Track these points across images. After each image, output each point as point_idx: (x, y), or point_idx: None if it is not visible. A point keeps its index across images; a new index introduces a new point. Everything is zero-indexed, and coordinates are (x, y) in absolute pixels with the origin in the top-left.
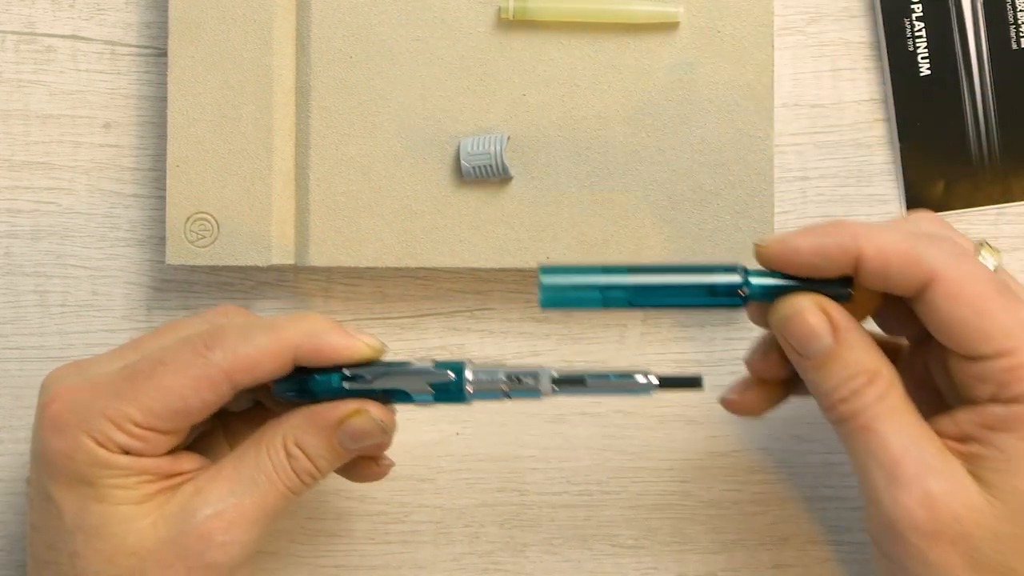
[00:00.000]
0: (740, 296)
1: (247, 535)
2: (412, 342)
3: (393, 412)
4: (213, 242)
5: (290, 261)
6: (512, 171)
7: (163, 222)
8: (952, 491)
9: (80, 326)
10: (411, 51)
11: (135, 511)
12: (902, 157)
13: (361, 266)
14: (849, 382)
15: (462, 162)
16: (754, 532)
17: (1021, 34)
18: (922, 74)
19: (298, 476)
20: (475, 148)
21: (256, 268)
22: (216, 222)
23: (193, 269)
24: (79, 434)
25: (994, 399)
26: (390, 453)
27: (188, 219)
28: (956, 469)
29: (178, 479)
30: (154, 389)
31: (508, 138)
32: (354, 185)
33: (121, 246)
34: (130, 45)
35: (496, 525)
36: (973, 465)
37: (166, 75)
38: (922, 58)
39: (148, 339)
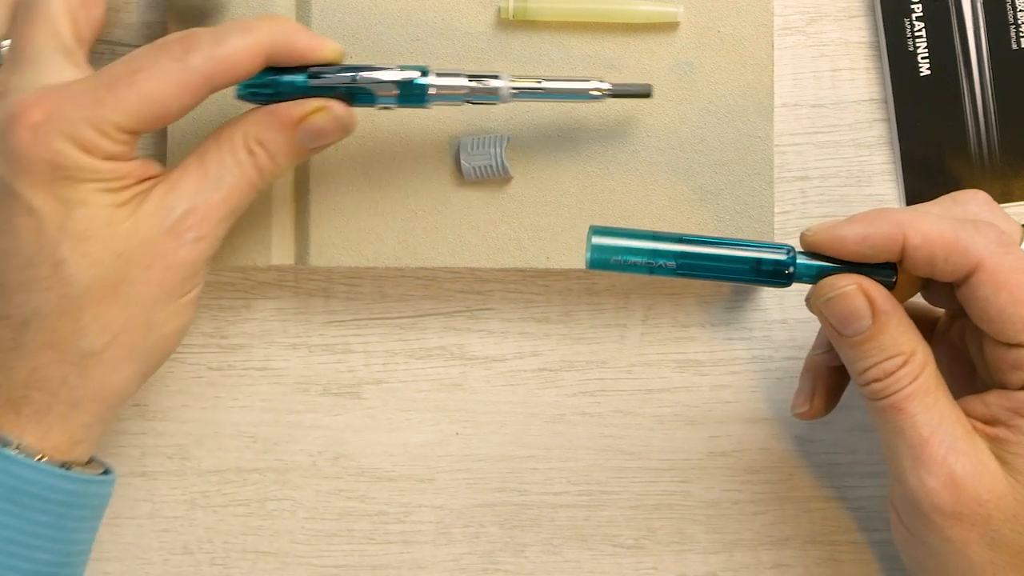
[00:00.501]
0: (786, 275)
1: (216, 231)
2: (412, 342)
3: (353, 112)
4: None
5: (290, 261)
6: (512, 171)
7: None
8: (976, 474)
9: None
10: (411, 51)
11: (118, 214)
12: (902, 157)
13: (361, 266)
14: (885, 363)
15: (462, 162)
16: (754, 532)
17: (1021, 34)
18: (922, 74)
19: (259, 172)
20: (475, 148)
21: (256, 268)
22: None
23: None
24: (62, 140)
25: None
26: (391, 452)
27: None
28: (982, 452)
29: (148, 183)
30: (135, 95)
31: (509, 138)
32: (354, 185)
33: None
34: (130, 45)
35: (496, 525)
36: (999, 448)
37: None
38: (922, 58)
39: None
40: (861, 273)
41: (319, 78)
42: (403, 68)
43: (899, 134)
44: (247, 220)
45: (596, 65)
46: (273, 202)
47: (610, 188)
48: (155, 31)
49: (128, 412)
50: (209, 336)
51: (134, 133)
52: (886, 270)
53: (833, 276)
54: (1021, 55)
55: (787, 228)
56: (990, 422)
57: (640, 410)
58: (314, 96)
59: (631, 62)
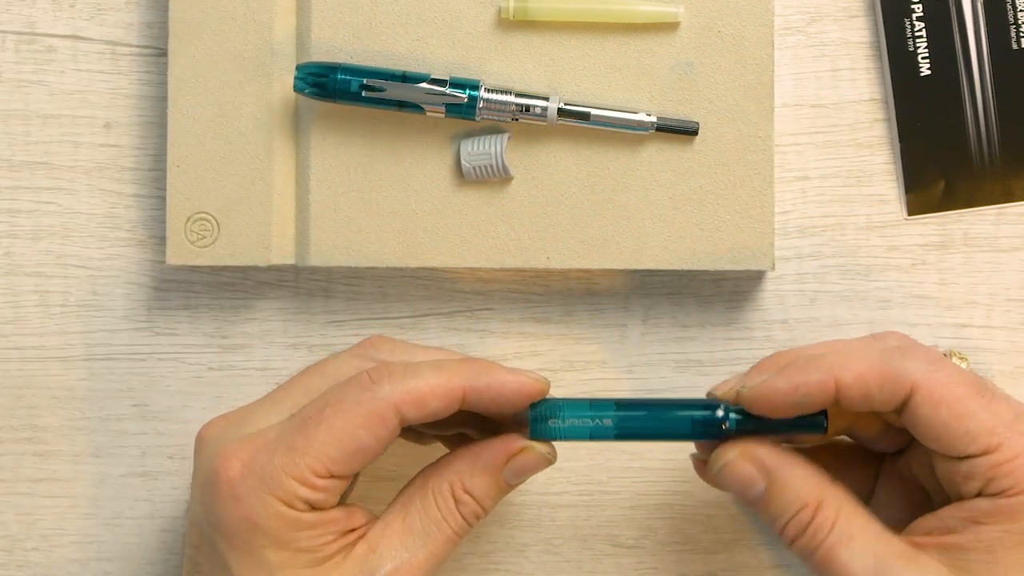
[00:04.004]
0: (723, 429)
1: None
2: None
3: (555, 448)
4: (213, 242)
5: (290, 261)
6: (512, 171)
7: (163, 222)
8: None
9: (80, 326)
10: (411, 51)
11: (316, 574)
12: (902, 157)
13: (361, 266)
14: (795, 518)
15: (462, 162)
16: (754, 532)
17: (1021, 34)
18: (922, 74)
19: (466, 520)
20: (476, 148)
21: (256, 268)
22: (216, 222)
23: (193, 269)
24: (265, 497)
25: (981, 494)
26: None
27: (188, 219)
28: (928, 572)
29: (353, 535)
30: (327, 433)
31: (509, 138)
32: (354, 185)
33: (121, 246)
34: (130, 45)
35: (496, 525)
36: (953, 557)
37: (166, 75)
38: (922, 58)
39: (299, 381)
40: (793, 420)
41: (369, 89)
42: (453, 82)
43: (899, 134)
44: (247, 220)
45: (596, 65)
46: (273, 202)
47: (610, 188)
48: (155, 31)
49: (128, 412)
50: (209, 336)
51: (334, 477)
52: (817, 417)
53: (721, 447)
54: (1021, 55)
55: (787, 228)
56: (943, 533)
57: None
58: (367, 101)
59: (631, 62)
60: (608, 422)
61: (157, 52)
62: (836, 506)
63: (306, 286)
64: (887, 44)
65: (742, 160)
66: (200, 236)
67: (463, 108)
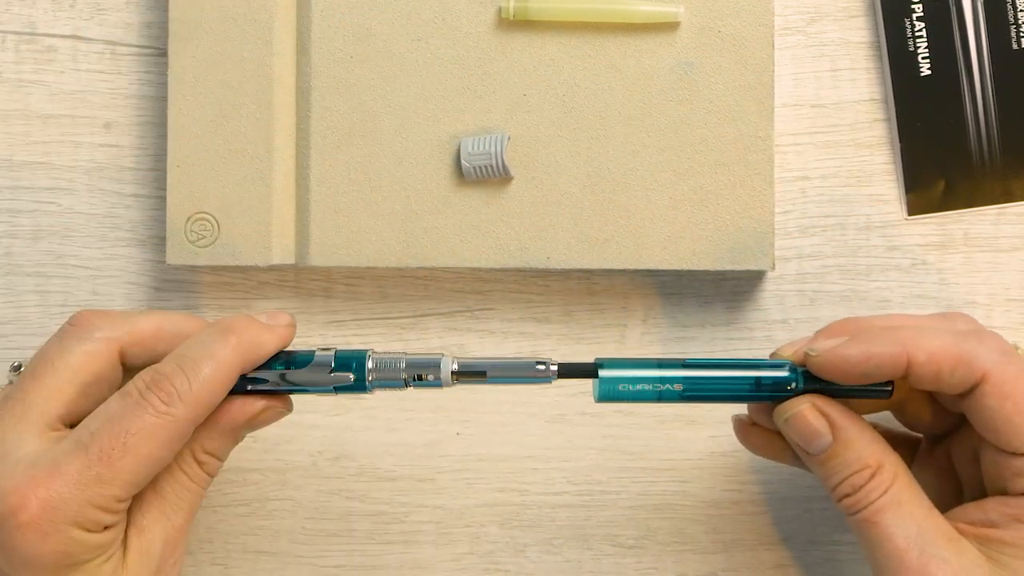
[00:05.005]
0: (790, 391)
1: (185, 545)
2: (412, 342)
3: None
4: (213, 242)
5: (290, 261)
6: (512, 171)
7: (163, 222)
8: None
9: None
10: (411, 51)
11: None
12: (902, 157)
13: (361, 266)
14: (852, 477)
15: (462, 162)
16: (754, 532)
17: (1021, 34)
18: (922, 74)
19: (210, 475)
20: (476, 148)
21: (256, 268)
22: (216, 222)
23: (193, 269)
24: (71, 529)
25: None
26: (391, 452)
27: (188, 219)
28: (968, 557)
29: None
30: (131, 463)
31: (509, 138)
32: (354, 185)
33: (121, 246)
34: (130, 45)
35: (496, 525)
36: (994, 550)
37: (166, 75)
38: (922, 58)
39: (31, 385)
40: (859, 386)
41: (255, 382)
42: (339, 356)
43: (899, 134)
44: (247, 220)
45: (596, 65)
46: (273, 202)
47: (610, 188)
48: (155, 31)
49: None
50: None
51: (131, 497)
52: (884, 384)
53: (792, 399)
54: (1021, 55)
55: (787, 228)
56: (987, 525)
57: (640, 410)
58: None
59: (631, 62)
60: (677, 386)
61: (157, 52)
62: (893, 472)
63: (306, 286)
64: (887, 44)
65: (742, 160)
66: (200, 236)
67: (353, 385)
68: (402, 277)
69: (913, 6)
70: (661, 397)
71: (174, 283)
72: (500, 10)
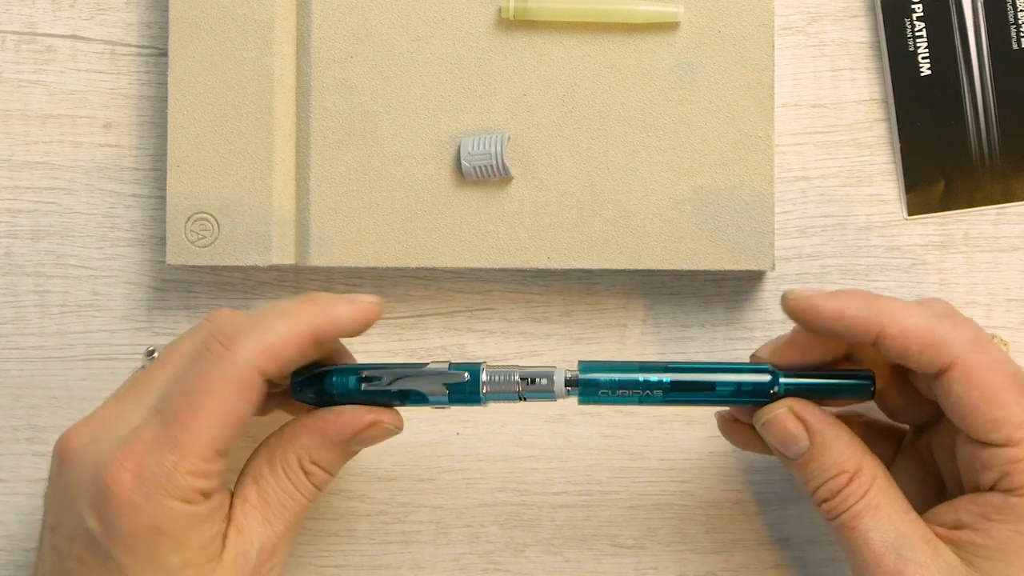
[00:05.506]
0: (771, 395)
1: (285, 554)
2: (412, 342)
3: (401, 416)
4: (213, 242)
5: (290, 261)
6: (512, 171)
7: (163, 222)
8: None
9: (80, 326)
10: (411, 51)
11: (211, 569)
12: (902, 157)
13: (361, 266)
14: (830, 482)
15: (462, 162)
16: (754, 532)
17: (1021, 34)
18: (922, 74)
19: (318, 488)
20: (475, 148)
21: (256, 268)
22: (216, 222)
23: (193, 269)
24: (165, 499)
25: (996, 488)
26: (391, 452)
27: (188, 219)
28: (945, 560)
29: (225, 517)
30: (206, 418)
31: (509, 138)
32: (354, 185)
33: (121, 246)
34: (130, 45)
35: (496, 525)
36: (967, 553)
37: (166, 75)
38: (922, 58)
39: (156, 372)
40: (840, 387)
41: (369, 382)
42: (453, 367)
43: (899, 134)
44: (247, 220)
45: (596, 65)
46: (273, 202)
47: (610, 188)
48: (155, 31)
49: None
50: None
51: (220, 456)
52: (864, 383)
53: (771, 403)
54: (1021, 55)
55: (787, 228)
56: (959, 527)
57: (640, 410)
58: (366, 398)
59: (631, 62)
60: (658, 392)
61: (157, 52)
62: (871, 476)
63: (306, 286)
64: (887, 44)
65: (742, 160)
66: (200, 236)
67: (466, 392)
68: (402, 277)
69: (913, 6)
70: (643, 401)
71: (174, 283)
72: (500, 10)
